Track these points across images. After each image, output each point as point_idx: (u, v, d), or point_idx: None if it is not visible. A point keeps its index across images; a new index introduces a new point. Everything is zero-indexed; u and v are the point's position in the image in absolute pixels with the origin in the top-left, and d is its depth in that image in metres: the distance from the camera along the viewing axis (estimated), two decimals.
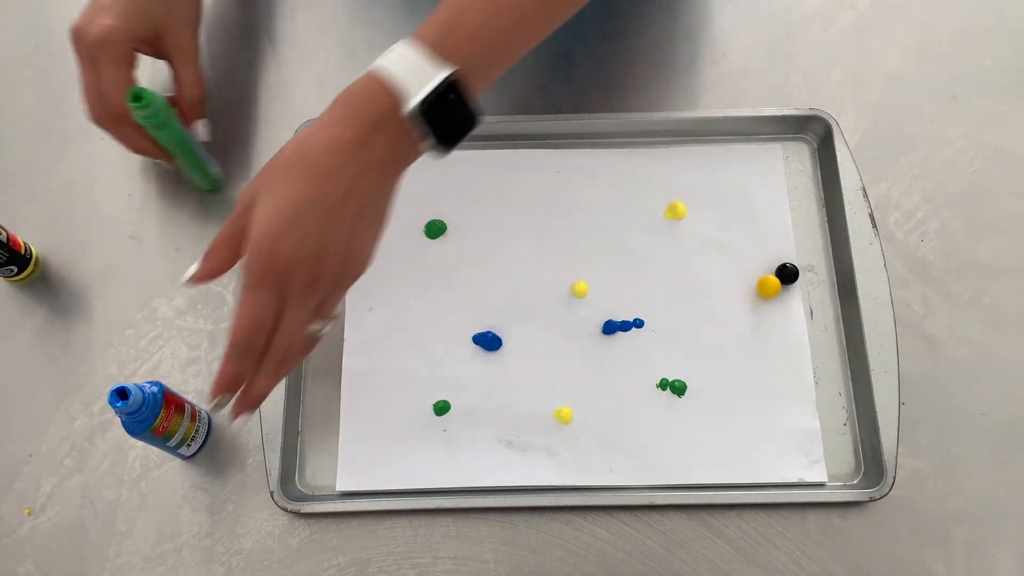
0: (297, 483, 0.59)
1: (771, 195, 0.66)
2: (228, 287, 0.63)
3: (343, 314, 0.62)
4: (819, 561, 0.57)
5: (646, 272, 0.64)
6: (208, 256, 0.48)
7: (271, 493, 0.57)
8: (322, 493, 0.58)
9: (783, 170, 0.67)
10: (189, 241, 0.65)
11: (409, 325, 0.62)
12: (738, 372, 0.61)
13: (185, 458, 0.59)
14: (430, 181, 0.65)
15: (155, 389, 0.53)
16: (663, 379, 0.61)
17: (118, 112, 0.58)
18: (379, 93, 0.46)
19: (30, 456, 0.60)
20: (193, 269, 0.48)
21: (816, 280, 0.64)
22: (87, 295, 0.64)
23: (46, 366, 0.62)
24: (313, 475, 0.59)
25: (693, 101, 0.69)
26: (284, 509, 0.57)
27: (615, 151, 0.67)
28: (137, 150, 0.62)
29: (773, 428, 0.60)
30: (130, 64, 0.60)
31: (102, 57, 0.58)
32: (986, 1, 0.72)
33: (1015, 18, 0.71)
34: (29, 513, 0.59)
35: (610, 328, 0.62)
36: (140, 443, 0.59)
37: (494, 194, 0.66)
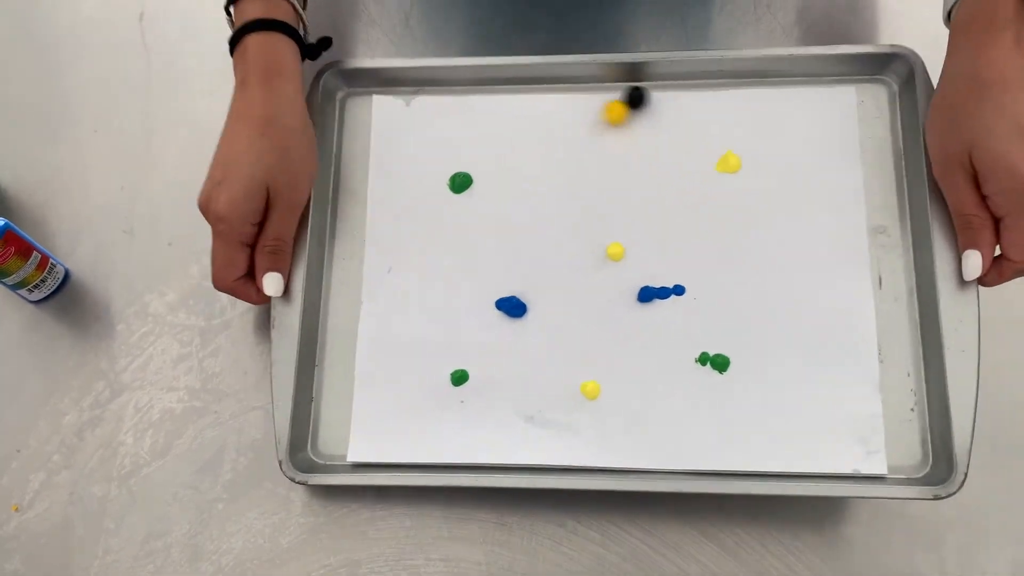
0: (309, 452, 0.56)
1: (840, 146, 0.58)
2: None
3: (360, 274, 0.59)
4: (811, 565, 0.56)
5: (690, 233, 0.58)
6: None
7: (279, 463, 0.55)
8: (333, 463, 0.56)
9: (856, 117, 0.59)
10: (182, 235, 0.64)
11: (429, 287, 0.58)
12: (790, 347, 0.55)
13: (31, 302, 0.61)
14: (455, 131, 0.61)
15: None
16: (703, 353, 0.55)
17: (231, 286, 0.56)
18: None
19: (18, 451, 0.59)
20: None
21: (888, 243, 0.57)
22: (78, 289, 0.63)
23: (35, 360, 0.62)
24: (326, 445, 0.57)
25: (751, 38, 0.64)
26: (292, 480, 0.55)
27: (660, 94, 0.60)
28: (258, 303, 0.59)
29: (827, 411, 0.54)
30: (248, 239, 0.56)
31: (221, 231, 0.55)
32: None
33: None
34: (16, 509, 0.58)
35: (646, 295, 0.56)
36: (130, 439, 0.59)
37: (524, 144, 0.61)
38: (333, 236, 0.61)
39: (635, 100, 0.58)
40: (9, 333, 0.62)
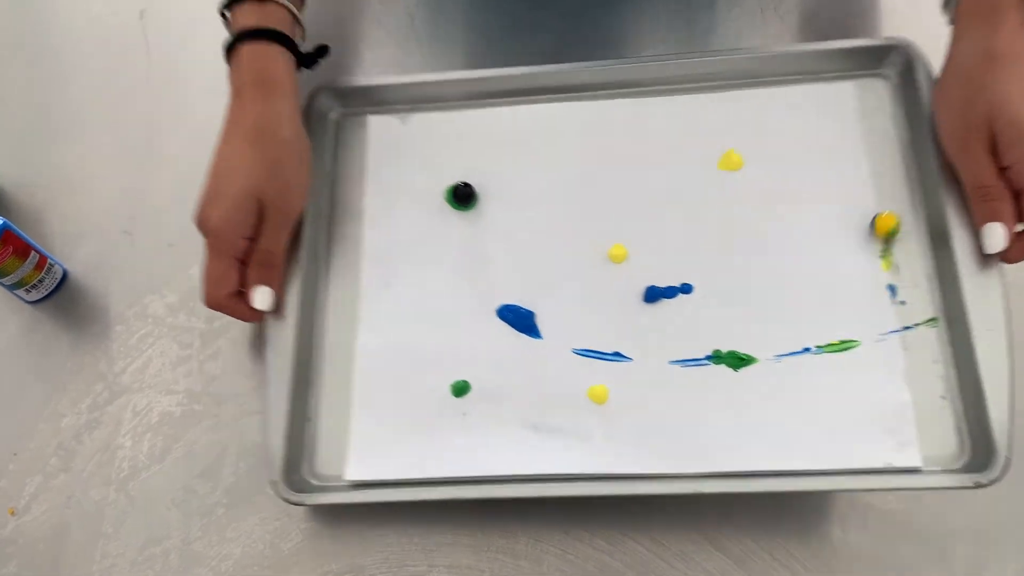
0: (304, 473, 0.55)
1: (842, 140, 0.58)
2: None
3: (357, 291, 0.58)
4: (815, 573, 0.56)
5: (695, 232, 0.57)
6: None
7: (273, 484, 0.53)
8: (330, 484, 0.55)
9: (857, 111, 0.59)
10: (182, 236, 0.63)
11: (428, 299, 0.57)
12: (805, 340, 0.54)
13: (28, 303, 0.61)
14: (452, 145, 0.61)
15: None
16: (716, 351, 0.54)
17: (222, 302, 0.55)
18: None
19: (15, 455, 0.59)
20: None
21: (902, 231, 0.56)
22: (77, 290, 0.62)
23: (32, 362, 0.61)
24: (325, 465, 0.55)
25: (758, 40, 0.64)
26: (287, 501, 0.53)
27: (659, 99, 0.61)
28: (250, 320, 0.58)
29: (851, 405, 0.52)
30: (240, 254, 0.55)
31: (213, 245, 0.55)
32: None
33: None
34: (13, 513, 0.57)
35: (652, 295, 0.55)
36: (129, 443, 0.58)
37: (522, 154, 0.60)
38: (329, 253, 0.60)
39: (462, 197, 0.59)
40: (6, 334, 0.62)
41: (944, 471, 0.51)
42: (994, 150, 0.52)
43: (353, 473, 0.54)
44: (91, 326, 0.62)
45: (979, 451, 0.51)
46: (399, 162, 0.61)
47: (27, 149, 0.67)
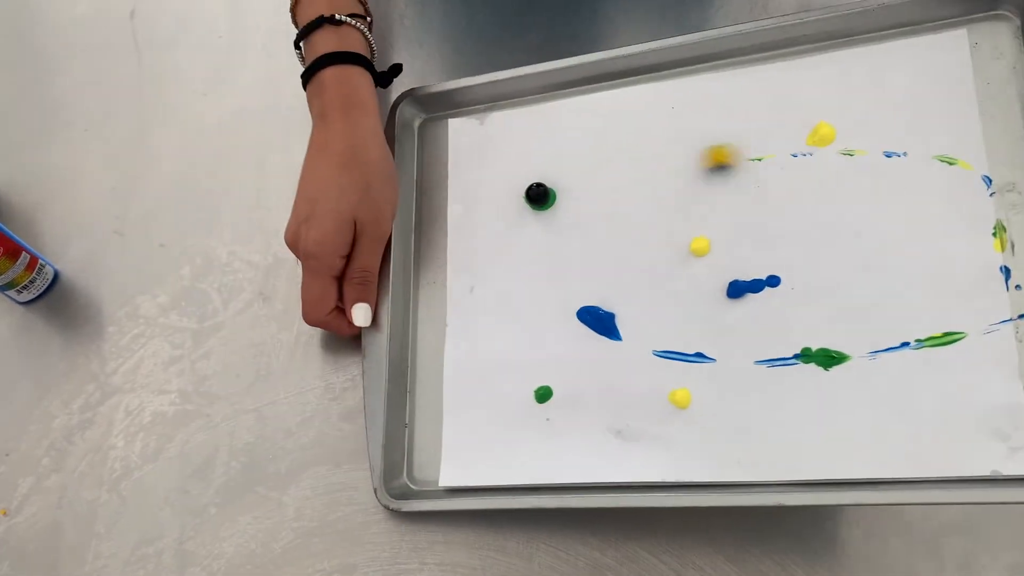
0: (405, 479, 0.56)
1: (952, 98, 0.52)
2: (213, 284, 0.62)
3: (445, 297, 0.59)
4: (809, 570, 0.56)
5: (782, 217, 0.52)
6: None
7: (375, 491, 0.55)
8: (426, 489, 0.56)
9: (969, 63, 0.52)
10: (173, 237, 0.63)
11: (510, 304, 0.57)
12: (904, 333, 0.49)
13: (19, 303, 0.61)
14: (529, 141, 0.60)
15: None
16: (805, 348, 0.50)
17: (322, 320, 0.57)
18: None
19: (7, 455, 0.59)
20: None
21: (1019, 202, 0.50)
22: (68, 291, 0.62)
23: (24, 363, 0.61)
24: (421, 471, 0.57)
25: (772, 15, 0.59)
26: (387, 508, 0.55)
27: (739, 71, 0.56)
28: (348, 334, 0.60)
29: (956, 405, 0.47)
30: (337, 273, 0.57)
31: (312, 266, 0.56)
32: None
33: None
34: (5, 514, 0.57)
35: (736, 290, 0.52)
36: (121, 443, 0.58)
37: (599, 146, 0.58)
38: (418, 263, 0.61)
39: (535, 197, 0.58)
40: None
41: None
42: None
43: (446, 479, 0.55)
44: (83, 326, 0.61)
45: None
46: (479, 164, 0.61)
47: (17, 150, 0.67)
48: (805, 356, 0.50)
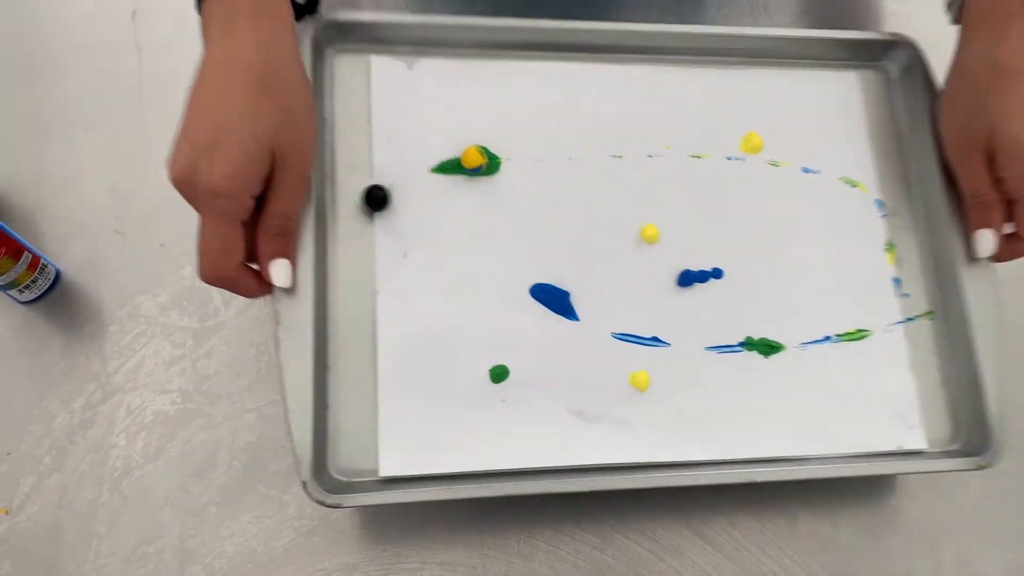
0: (330, 469, 0.50)
1: (852, 128, 0.60)
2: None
3: (373, 259, 0.53)
4: (808, 569, 0.56)
5: (723, 213, 0.56)
6: None
7: (304, 484, 0.48)
8: (362, 479, 0.50)
9: (862, 101, 0.60)
10: (175, 236, 0.63)
11: (454, 275, 0.53)
12: (827, 328, 0.55)
13: (21, 303, 0.60)
14: (468, 100, 0.56)
15: None
16: (748, 337, 0.55)
17: (227, 275, 0.47)
18: None
19: (8, 454, 0.59)
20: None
21: (901, 225, 0.59)
22: (69, 290, 0.62)
23: (25, 362, 0.61)
24: (348, 459, 0.51)
25: (772, 18, 0.66)
26: (322, 503, 0.48)
27: (684, 69, 0.59)
28: (255, 296, 0.51)
29: (866, 391, 0.55)
30: (247, 216, 0.48)
31: (219, 207, 0.46)
32: None
33: None
34: (6, 513, 0.57)
35: (687, 279, 0.55)
36: (122, 442, 0.58)
37: (543, 116, 0.56)
38: (335, 216, 0.54)
39: (375, 202, 0.53)
40: None
41: (945, 453, 0.54)
42: (992, 161, 0.54)
43: (388, 468, 0.50)
44: (84, 326, 0.61)
45: (973, 435, 0.54)
46: (410, 114, 0.56)
47: (18, 149, 0.67)
48: (748, 344, 0.55)
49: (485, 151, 0.55)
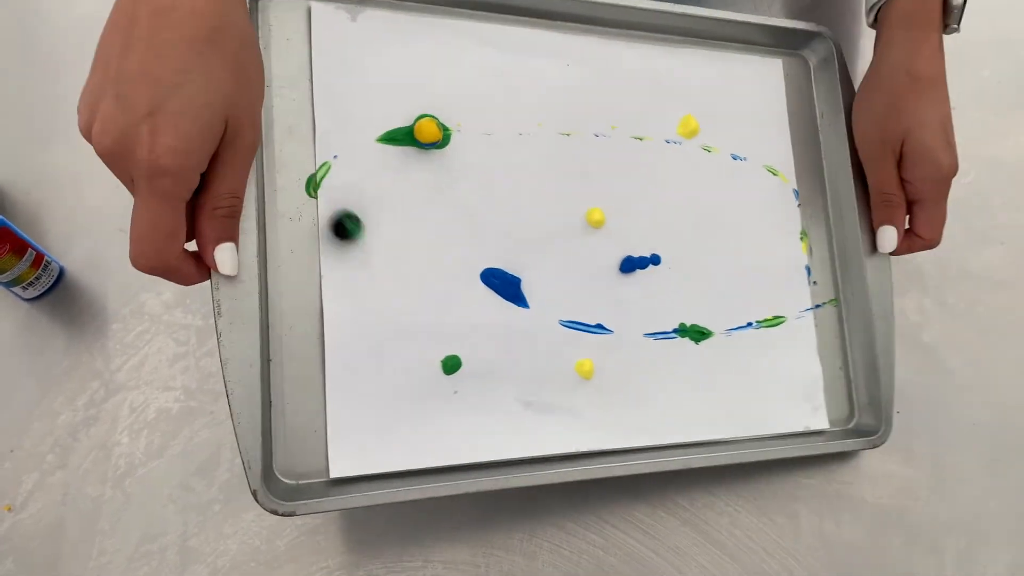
0: (277, 472, 0.46)
1: (774, 117, 0.61)
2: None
3: (312, 237, 0.48)
4: (810, 568, 0.56)
5: (661, 199, 0.56)
6: None
7: (254, 493, 0.45)
8: (311, 481, 0.47)
9: (783, 89, 0.61)
10: None
11: (406, 258, 0.50)
12: (749, 315, 0.57)
13: (25, 300, 0.60)
14: (417, 59, 0.52)
15: None
16: (682, 323, 0.55)
17: (169, 263, 0.42)
18: None
19: (11, 451, 0.59)
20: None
21: (813, 214, 0.61)
22: (73, 288, 0.62)
23: (29, 360, 0.61)
24: (295, 460, 0.47)
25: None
26: (275, 512, 0.46)
27: (628, 44, 0.58)
28: (191, 283, 0.44)
29: (781, 375, 0.57)
30: (190, 195, 0.41)
31: (164, 187, 0.39)
32: (986, 13, 0.72)
33: (1015, 31, 0.71)
34: (9, 510, 0.57)
35: (629, 265, 0.55)
36: (125, 440, 0.58)
37: (498, 84, 0.54)
38: (274, 189, 0.48)
39: (341, 232, 0.49)
40: (3, 332, 0.61)
41: (843, 432, 0.58)
42: (900, 163, 0.56)
43: (339, 468, 0.47)
44: (88, 323, 0.62)
45: (866, 417, 0.58)
46: (352, 73, 0.51)
47: (22, 147, 0.67)
48: (682, 331, 0.56)
49: (439, 123, 0.51)
